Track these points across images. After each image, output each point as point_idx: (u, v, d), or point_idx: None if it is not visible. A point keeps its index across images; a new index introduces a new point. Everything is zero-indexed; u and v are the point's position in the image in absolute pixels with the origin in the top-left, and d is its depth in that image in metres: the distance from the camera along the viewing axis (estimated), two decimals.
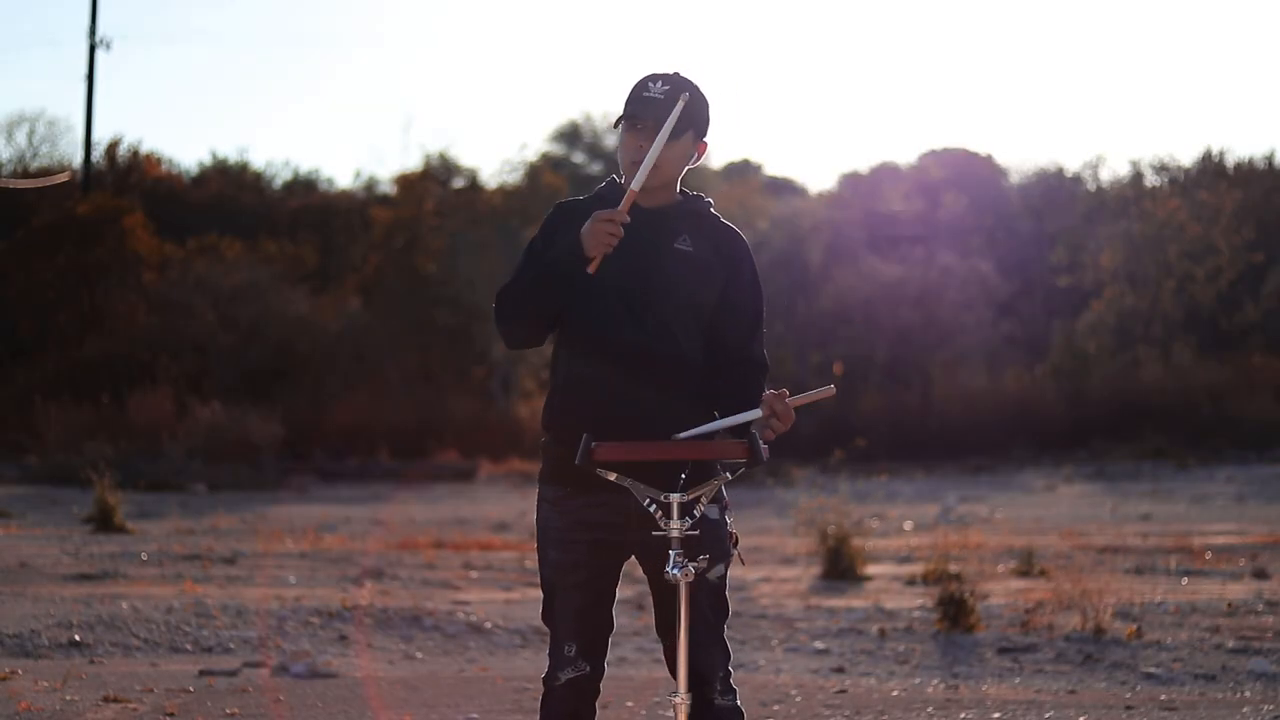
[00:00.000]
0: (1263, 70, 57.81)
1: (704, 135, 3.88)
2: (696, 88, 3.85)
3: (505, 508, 19.18)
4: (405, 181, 33.42)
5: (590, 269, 3.74)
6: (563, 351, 3.90)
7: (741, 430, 3.76)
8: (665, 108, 3.77)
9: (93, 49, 35.27)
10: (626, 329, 3.80)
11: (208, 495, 20.28)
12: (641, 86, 3.83)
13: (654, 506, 3.69)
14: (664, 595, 3.85)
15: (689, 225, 3.89)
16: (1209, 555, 12.94)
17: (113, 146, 37.75)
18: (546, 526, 3.90)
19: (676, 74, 3.87)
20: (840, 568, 11.58)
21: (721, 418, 3.81)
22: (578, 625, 3.88)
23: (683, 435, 3.76)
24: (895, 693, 7.24)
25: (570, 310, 3.84)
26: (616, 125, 3.89)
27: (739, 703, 3.91)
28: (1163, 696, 7.20)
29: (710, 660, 3.85)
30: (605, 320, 3.81)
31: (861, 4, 61.39)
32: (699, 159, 3.91)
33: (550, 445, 3.87)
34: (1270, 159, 34.52)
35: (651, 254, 3.83)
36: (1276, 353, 29.16)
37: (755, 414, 3.73)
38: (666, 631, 3.88)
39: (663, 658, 4.03)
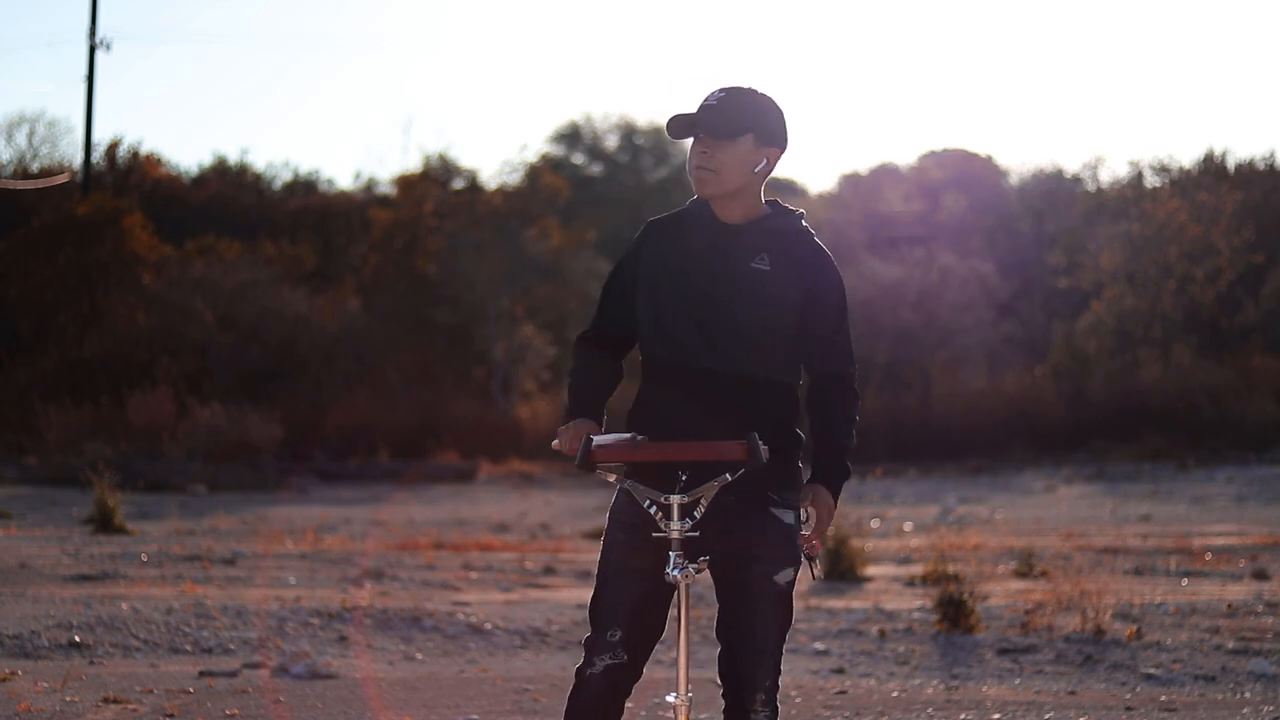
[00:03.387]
0: (1263, 71, 57.86)
1: (772, 142, 3.80)
2: (755, 91, 3.81)
3: (505, 508, 19.18)
4: (405, 182, 33.43)
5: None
6: (644, 367, 3.89)
7: (741, 431, 3.76)
8: (719, 114, 3.74)
9: (93, 49, 35.31)
10: (696, 350, 3.77)
11: (207, 496, 20.28)
12: (702, 100, 3.79)
13: (654, 508, 3.69)
14: (730, 600, 3.82)
15: (772, 243, 3.81)
16: (1209, 556, 12.94)
17: (113, 147, 37.79)
18: (620, 511, 3.84)
19: (749, 88, 3.82)
20: (840, 569, 11.58)
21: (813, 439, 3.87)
22: (629, 612, 3.81)
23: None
24: (895, 693, 7.24)
25: (643, 329, 3.84)
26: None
27: (775, 715, 3.86)
28: (1163, 697, 7.20)
29: (761, 667, 3.81)
30: (675, 343, 3.79)
31: (861, 4, 61.43)
32: (769, 166, 3.82)
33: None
34: (1270, 160, 34.55)
35: (725, 275, 3.78)
36: (1276, 353, 29.16)
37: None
38: (724, 632, 3.85)
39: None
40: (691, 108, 3.80)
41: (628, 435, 3.78)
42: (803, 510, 3.84)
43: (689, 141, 3.84)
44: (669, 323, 3.79)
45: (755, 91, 3.81)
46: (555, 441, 3.79)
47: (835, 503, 3.87)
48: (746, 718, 3.81)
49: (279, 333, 29.16)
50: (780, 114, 3.83)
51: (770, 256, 3.79)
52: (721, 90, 3.79)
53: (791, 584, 3.85)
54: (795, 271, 3.79)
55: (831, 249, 3.92)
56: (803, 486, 3.85)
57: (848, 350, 3.87)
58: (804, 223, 3.87)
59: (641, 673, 3.90)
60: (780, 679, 3.87)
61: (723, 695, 3.87)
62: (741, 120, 3.75)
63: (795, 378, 3.86)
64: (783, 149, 3.84)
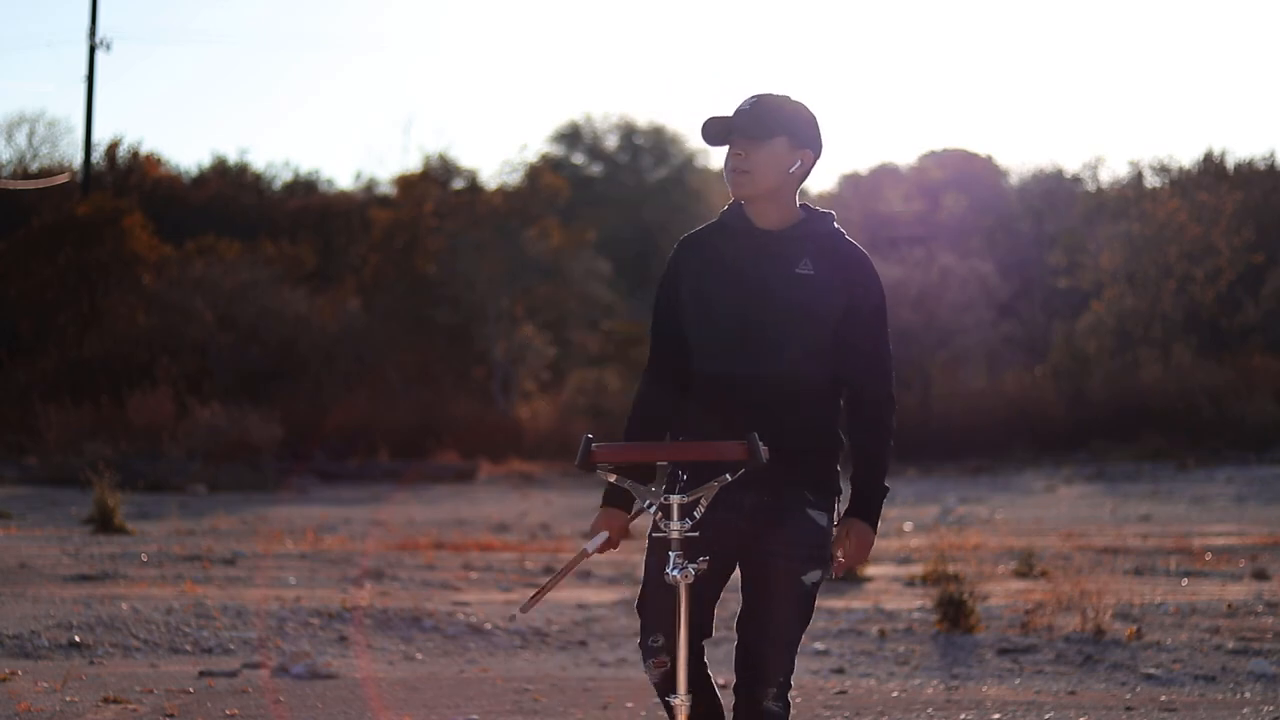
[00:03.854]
0: (1263, 71, 57.86)
1: (806, 145, 3.84)
2: (789, 98, 3.87)
3: (505, 508, 19.18)
4: (405, 182, 33.43)
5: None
6: (695, 380, 3.89)
7: (741, 432, 3.77)
8: (751, 118, 3.79)
9: (93, 49, 35.30)
10: (740, 361, 3.79)
11: (207, 496, 20.28)
12: (735, 107, 3.84)
13: (654, 508, 3.69)
14: (755, 595, 3.86)
15: (813, 248, 3.84)
16: (1209, 556, 12.94)
17: (113, 147, 37.79)
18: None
19: (786, 97, 3.87)
20: None
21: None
22: (669, 621, 3.81)
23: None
24: (895, 693, 7.24)
25: (696, 340, 3.85)
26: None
27: (789, 713, 3.89)
28: (1163, 697, 7.20)
29: (777, 662, 3.84)
30: (719, 352, 3.81)
31: (861, 5, 61.43)
32: (804, 168, 3.85)
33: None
34: (1270, 160, 34.55)
35: (770, 281, 3.81)
36: (1276, 353, 29.15)
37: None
38: (744, 626, 3.88)
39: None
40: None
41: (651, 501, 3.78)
42: (837, 551, 3.86)
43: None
44: (716, 334, 3.82)
45: (789, 98, 3.87)
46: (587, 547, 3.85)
47: (874, 531, 3.89)
48: (759, 709, 3.84)
49: (279, 333, 29.16)
50: (814, 119, 3.88)
51: (812, 261, 3.83)
52: (754, 96, 3.85)
53: (817, 585, 3.89)
54: (839, 275, 3.83)
55: None
56: (838, 492, 3.87)
57: (888, 364, 3.89)
58: (835, 224, 3.91)
59: (702, 654, 3.93)
60: (792, 673, 3.91)
61: (734, 689, 3.89)
62: (774, 122, 3.80)
63: (832, 378, 3.87)
64: (817, 153, 3.88)
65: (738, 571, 3.94)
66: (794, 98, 3.87)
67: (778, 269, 3.81)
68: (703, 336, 3.84)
